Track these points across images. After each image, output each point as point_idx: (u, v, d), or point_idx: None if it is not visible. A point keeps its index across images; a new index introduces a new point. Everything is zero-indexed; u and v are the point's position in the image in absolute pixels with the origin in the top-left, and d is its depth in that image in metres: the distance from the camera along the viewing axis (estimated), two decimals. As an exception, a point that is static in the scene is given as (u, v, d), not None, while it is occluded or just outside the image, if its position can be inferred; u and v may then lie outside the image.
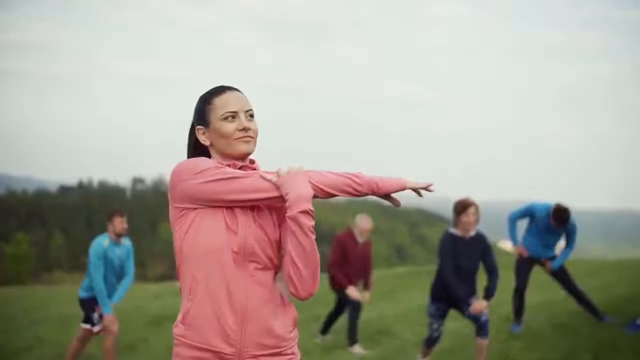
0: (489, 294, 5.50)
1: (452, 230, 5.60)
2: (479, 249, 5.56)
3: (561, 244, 7.37)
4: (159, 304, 13.35)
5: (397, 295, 11.93)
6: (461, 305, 5.51)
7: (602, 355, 5.88)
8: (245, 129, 2.17)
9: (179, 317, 2.17)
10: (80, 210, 72.16)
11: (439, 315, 5.72)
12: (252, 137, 2.20)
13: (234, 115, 2.17)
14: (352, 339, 7.36)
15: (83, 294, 6.32)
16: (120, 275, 6.38)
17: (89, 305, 6.25)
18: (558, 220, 6.82)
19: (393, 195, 2.25)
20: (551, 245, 7.14)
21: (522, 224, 7.28)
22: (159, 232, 68.60)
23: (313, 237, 2.08)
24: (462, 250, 5.51)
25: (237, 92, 2.23)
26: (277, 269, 2.20)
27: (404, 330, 8.21)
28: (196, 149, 2.27)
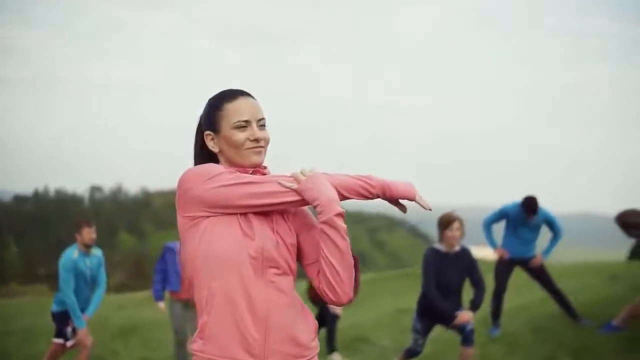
0: (474, 305, 5.41)
1: (437, 245, 5.51)
2: (464, 265, 5.47)
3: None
4: (124, 315, 13.09)
5: (368, 302, 11.89)
6: (447, 320, 5.41)
7: (582, 358, 5.91)
8: (257, 140, 2.10)
9: (197, 331, 2.07)
10: (36, 220, 70.64)
11: (425, 332, 5.63)
12: (263, 147, 2.13)
13: (245, 125, 2.09)
14: (331, 347, 7.32)
15: (55, 307, 6.11)
16: (93, 286, 6.19)
17: (62, 319, 6.06)
18: (529, 209, 6.96)
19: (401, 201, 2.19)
20: (530, 242, 7.20)
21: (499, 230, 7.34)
22: (118, 241, 67.55)
23: (348, 239, 2.02)
24: (447, 265, 5.42)
25: (251, 99, 2.15)
26: (294, 275, 2.12)
27: (381, 337, 8.18)
28: (203, 155, 2.18)
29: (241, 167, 2.10)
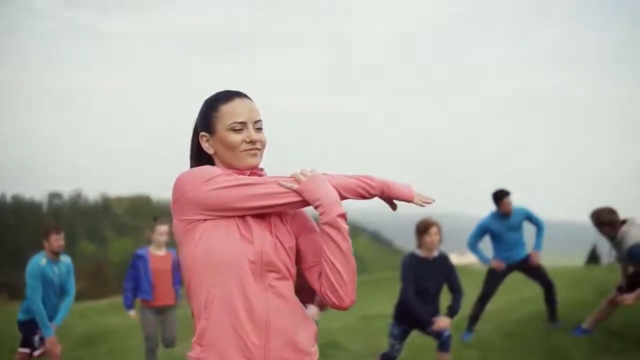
0: (452, 311, 5.42)
1: (416, 251, 5.50)
2: (443, 270, 5.46)
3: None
4: (87, 323, 12.87)
5: (336, 308, 11.86)
6: (424, 325, 5.40)
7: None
8: (252, 142, 2.06)
9: (194, 338, 2.01)
10: (-8, 227, 69.06)
11: (402, 337, 5.61)
12: (259, 150, 2.09)
13: (241, 126, 2.05)
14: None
15: (22, 316, 5.94)
16: (61, 294, 6.04)
17: (30, 327, 5.89)
18: (500, 199, 7.03)
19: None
20: (519, 243, 7.24)
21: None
22: (77, 248, 66.35)
23: (350, 241, 1.99)
24: (426, 271, 5.40)
25: (247, 100, 2.10)
26: (294, 279, 2.08)
27: (352, 342, 8.13)
28: (199, 156, 2.14)
29: (237, 170, 2.06)
